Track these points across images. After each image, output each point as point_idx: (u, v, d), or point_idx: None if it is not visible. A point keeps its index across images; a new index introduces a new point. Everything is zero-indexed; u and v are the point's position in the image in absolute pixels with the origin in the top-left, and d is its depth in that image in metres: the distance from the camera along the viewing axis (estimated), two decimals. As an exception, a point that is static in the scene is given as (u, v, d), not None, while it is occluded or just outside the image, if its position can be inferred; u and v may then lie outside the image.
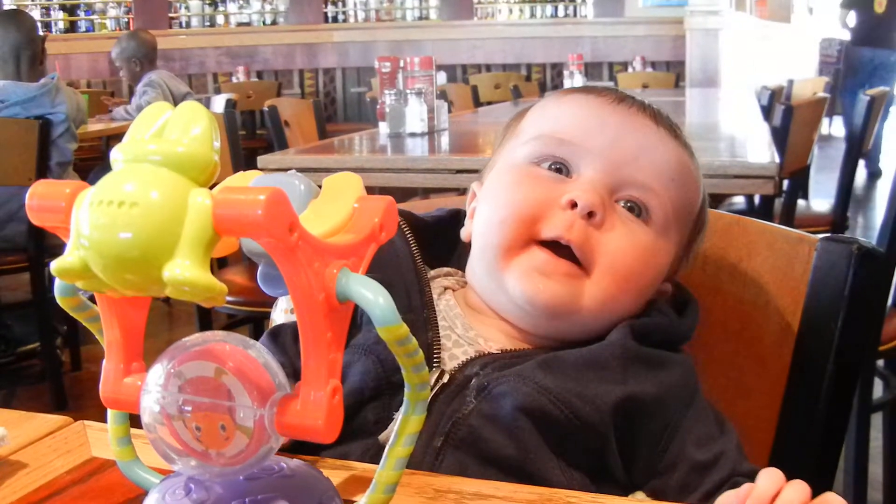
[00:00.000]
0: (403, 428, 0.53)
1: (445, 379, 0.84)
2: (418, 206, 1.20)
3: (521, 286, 0.86)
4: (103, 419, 0.80)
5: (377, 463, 0.55)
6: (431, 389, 0.83)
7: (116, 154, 0.48)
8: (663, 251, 0.91)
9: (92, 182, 0.49)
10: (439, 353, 0.86)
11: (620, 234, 0.87)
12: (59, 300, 0.56)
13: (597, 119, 0.92)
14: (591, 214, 0.86)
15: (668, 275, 0.94)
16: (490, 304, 0.91)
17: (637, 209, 0.89)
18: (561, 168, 0.90)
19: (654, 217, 0.89)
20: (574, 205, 0.86)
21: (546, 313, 0.87)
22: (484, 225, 0.91)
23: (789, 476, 0.96)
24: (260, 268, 0.55)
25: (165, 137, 0.48)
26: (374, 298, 0.48)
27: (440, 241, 0.99)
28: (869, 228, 5.83)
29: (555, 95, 0.99)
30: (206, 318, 3.01)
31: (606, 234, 0.86)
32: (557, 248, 0.86)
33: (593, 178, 0.88)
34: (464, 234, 0.97)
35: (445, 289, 0.94)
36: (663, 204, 0.89)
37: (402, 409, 0.53)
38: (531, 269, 0.86)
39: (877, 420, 2.58)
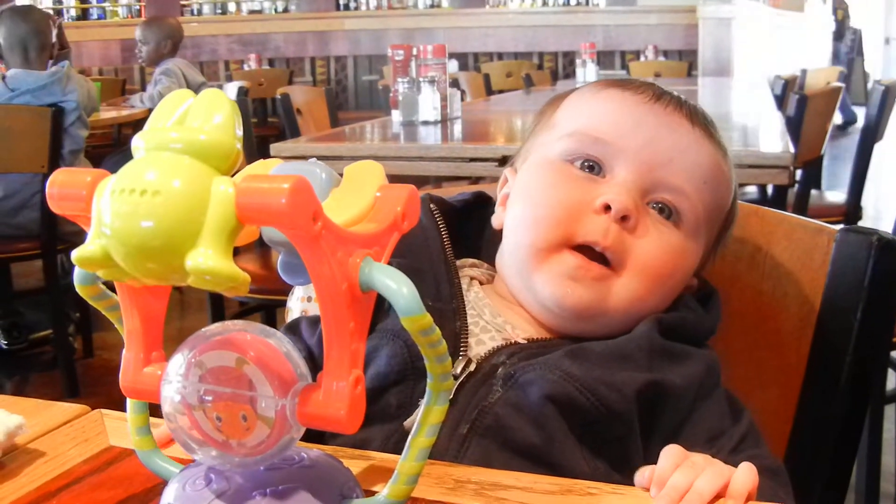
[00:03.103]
0: (426, 418, 0.53)
1: (472, 367, 0.84)
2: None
3: (551, 289, 0.86)
4: (116, 406, 0.80)
5: (399, 450, 0.55)
6: (458, 378, 0.83)
7: (138, 142, 0.48)
8: (692, 253, 0.91)
9: (104, 169, 0.49)
10: (467, 342, 0.87)
11: (652, 237, 0.87)
12: (78, 289, 0.56)
13: (632, 118, 0.91)
14: (624, 218, 0.86)
15: (696, 271, 0.94)
16: (517, 299, 0.91)
17: (668, 211, 0.89)
18: (594, 166, 0.90)
19: (684, 220, 0.89)
20: (608, 207, 0.86)
21: (574, 316, 0.87)
22: (518, 222, 0.91)
23: (807, 467, 0.96)
24: (280, 256, 0.55)
25: (187, 125, 0.48)
26: (398, 288, 0.48)
27: (468, 225, 0.99)
28: (880, 220, 5.81)
29: (591, 89, 0.98)
30: (218, 306, 3.01)
31: (638, 237, 0.86)
32: (589, 251, 0.86)
33: (626, 179, 0.88)
34: (495, 221, 0.97)
35: (472, 279, 0.94)
36: (694, 207, 0.89)
37: (425, 399, 0.53)
38: (562, 273, 0.86)
39: (890, 411, 2.57)
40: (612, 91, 0.95)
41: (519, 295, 0.91)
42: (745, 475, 0.68)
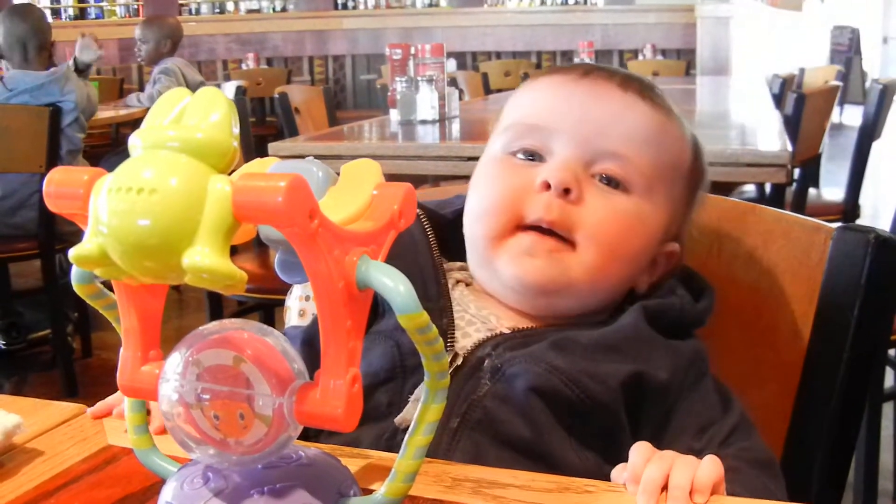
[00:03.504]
0: (423, 416, 0.53)
1: (459, 361, 0.85)
2: (431, 194, 1.20)
3: (511, 270, 0.88)
4: (114, 406, 0.81)
5: (392, 447, 0.55)
6: None
7: (135, 140, 0.48)
8: (650, 215, 0.91)
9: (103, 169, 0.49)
10: (453, 338, 0.88)
11: (599, 205, 0.88)
12: (76, 288, 0.56)
13: (561, 98, 0.93)
14: (566, 191, 0.87)
15: (671, 234, 0.95)
16: (490, 291, 0.93)
17: (614, 181, 0.90)
18: (534, 155, 0.92)
19: (633, 184, 0.90)
20: (548, 185, 0.87)
21: (537, 291, 0.88)
22: (469, 219, 0.94)
23: (805, 464, 0.96)
24: (277, 255, 0.55)
25: (184, 124, 0.48)
26: (395, 286, 0.48)
27: (459, 234, 1.00)
28: (878, 218, 5.82)
29: (528, 81, 1.01)
30: (216, 306, 3.00)
31: (585, 208, 0.88)
32: (541, 230, 0.87)
33: (565, 156, 0.90)
34: None
35: (458, 281, 0.95)
36: (639, 169, 0.90)
37: (422, 397, 0.53)
38: (519, 252, 0.88)
39: (888, 409, 2.58)
40: (542, 78, 0.98)
41: (489, 286, 0.92)
42: (708, 468, 0.68)
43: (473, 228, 0.93)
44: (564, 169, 0.88)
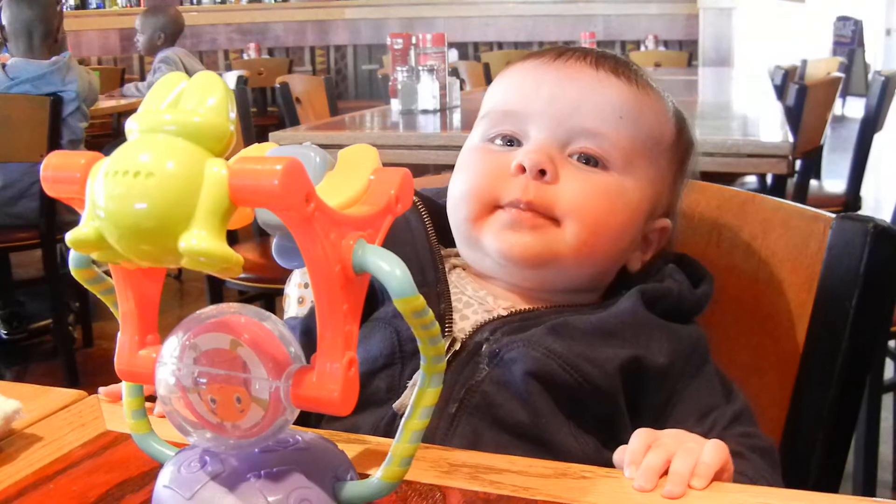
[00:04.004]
0: (419, 400, 0.53)
1: (457, 346, 0.86)
2: (432, 182, 1.20)
3: (497, 245, 0.89)
4: (115, 396, 0.81)
5: (390, 433, 0.55)
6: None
7: (131, 124, 0.48)
8: (632, 189, 0.91)
9: (105, 158, 0.49)
10: (451, 322, 0.88)
11: (576, 184, 0.88)
12: (73, 272, 0.56)
13: (534, 81, 0.94)
14: (542, 173, 0.88)
15: (661, 209, 0.95)
16: (483, 271, 0.93)
17: (591, 159, 0.90)
18: (512, 140, 0.92)
19: (610, 160, 0.90)
20: (523, 168, 0.88)
21: (524, 264, 0.89)
22: (450, 205, 0.95)
23: (803, 453, 0.96)
24: (275, 240, 0.55)
25: (181, 107, 0.48)
26: (391, 270, 0.48)
27: None
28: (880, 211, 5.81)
29: (504, 70, 1.01)
30: (217, 294, 3.01)
31: (562, 187, 0.88)
32: (521, 206, 0.88)
33: (539, 138, 0.90)
34: None
35: (455, 266, 0.96)
36: (617, 144, 0.90)
37: (419, 382, 0.53)
38: (500, 226, 0.89)
39: (888, 401, 2.58)
40: (516, 64, 0.98)
41: (480, 265, 0.93)
42: (711, 453, 0.68)
43: (455, 213, 0.94)
44: (538, 151, 0.88)
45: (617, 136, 0.90)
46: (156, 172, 0.45)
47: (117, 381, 0.57)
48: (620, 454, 0.70)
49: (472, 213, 0.90)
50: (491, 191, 0.89)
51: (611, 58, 0.95)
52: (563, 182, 0.88)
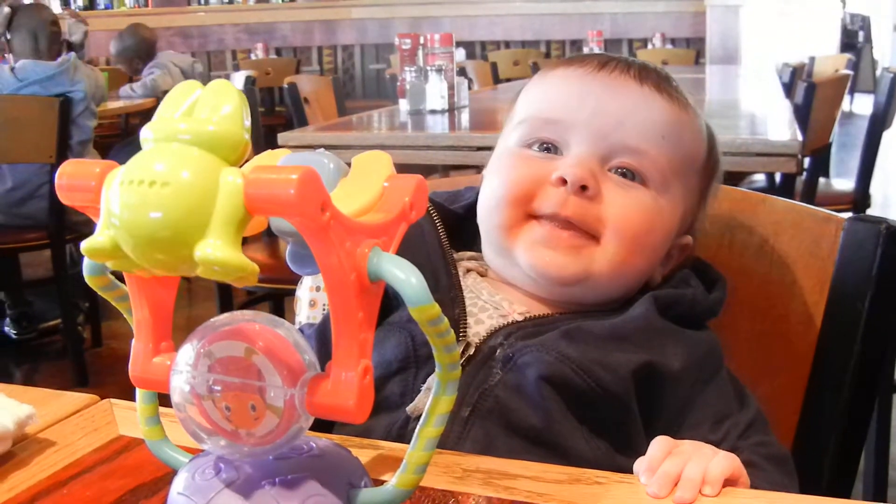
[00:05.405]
0: (434, 408, 0.53)
1: (471, 351, 0.85)
2: (441, 184, 1.20)
3: (529, 259, 0.88)
4: (124, 396, 0.81)
5: (403, 436, 0.55)
6: None
7: (147, 133, 0.48)
8: (667, 208, 0.91)
9: (112, 159, 0.49)
10: (465, 328, 0.88)
11: (618, 200, 0.88)
12: (87, 280, 0.56)
13: (578, 91, 0.93)
14: (583, 188, 0.87)
15: (685, 227, 0.95)
16: (508, 279, 0.93)
17: (630, 174, 0.89)
18: (550, 148, 0.91)
19: (650, 178, 0.90)
20: (564, 181, 0.87)
21: (557, 283, 0.89)
22: (483, 209, 0.94)
23: (815, 456, 0.96)
24: (289, 247, 0.55)
25: (195, 116, 0.48)
26: (406, 278, 0.48)
27: (470, 224, 1.00)
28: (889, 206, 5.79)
29: (541, 73, 1.00)
30: (226, 295, 3.01)
31: (605, 203, 0.87)
32: (559, 221, 0.87)
33: (581, 151, 0.89)
34: None
35: (469, 270, 0.95)
36: (656, 163, 0.90)
37: (433, 389, 0.53)
38: (534, 242, 0.88)
39: (898, 400, 2.57)
40: (557, 70, 0.97)
41: (507, 273, 0.93)
42: (721, 461, 0.68)
43: (488, 219, 0.93)
44: (581, 165, 0.87)
45: (658, 155, 0.90)
46: (171, 182, 0.45)
47: (127, 381, 0.57)
48: (640, 464, 0.70)
49: (507, 222, 0.90)
50: (528, 197, 0.89)
51: (653, 71, 0.94)
52: (606, 198, 0.87)
